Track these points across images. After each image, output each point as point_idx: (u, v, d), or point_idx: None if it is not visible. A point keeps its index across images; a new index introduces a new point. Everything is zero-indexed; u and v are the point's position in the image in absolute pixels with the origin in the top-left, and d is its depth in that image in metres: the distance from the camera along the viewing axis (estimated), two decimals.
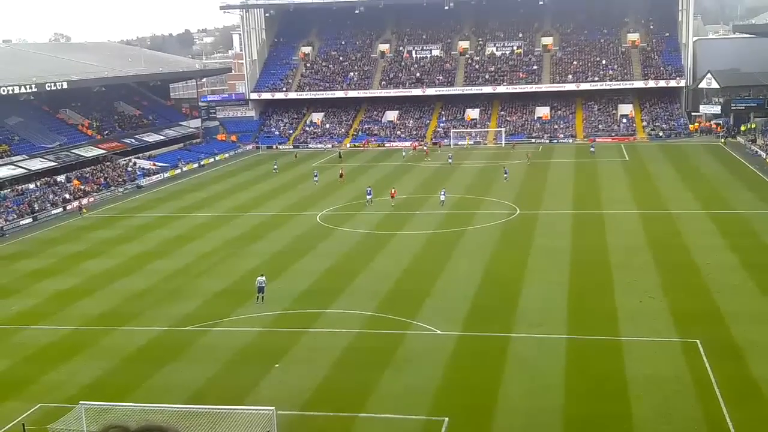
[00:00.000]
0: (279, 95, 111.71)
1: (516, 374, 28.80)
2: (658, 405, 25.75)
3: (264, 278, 38.88)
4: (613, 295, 37.05)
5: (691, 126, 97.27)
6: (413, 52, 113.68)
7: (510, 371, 29.08)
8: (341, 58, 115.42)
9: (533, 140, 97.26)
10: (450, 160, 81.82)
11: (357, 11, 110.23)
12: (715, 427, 24.17)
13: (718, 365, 28.50)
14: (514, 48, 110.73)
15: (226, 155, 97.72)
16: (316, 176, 75.01)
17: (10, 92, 74.69)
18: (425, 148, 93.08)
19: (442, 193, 61.86)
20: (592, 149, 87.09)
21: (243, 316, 36.84)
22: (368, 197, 62.86)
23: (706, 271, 40.14)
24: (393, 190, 63.82)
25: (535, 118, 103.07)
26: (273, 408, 23.22)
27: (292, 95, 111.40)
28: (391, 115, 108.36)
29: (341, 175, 75.64)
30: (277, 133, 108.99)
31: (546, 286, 38.76)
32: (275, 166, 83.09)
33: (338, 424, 25.71)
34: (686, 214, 53.17)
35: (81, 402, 24.36)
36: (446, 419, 25.48)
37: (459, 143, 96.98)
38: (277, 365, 30.71)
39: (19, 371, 31.77)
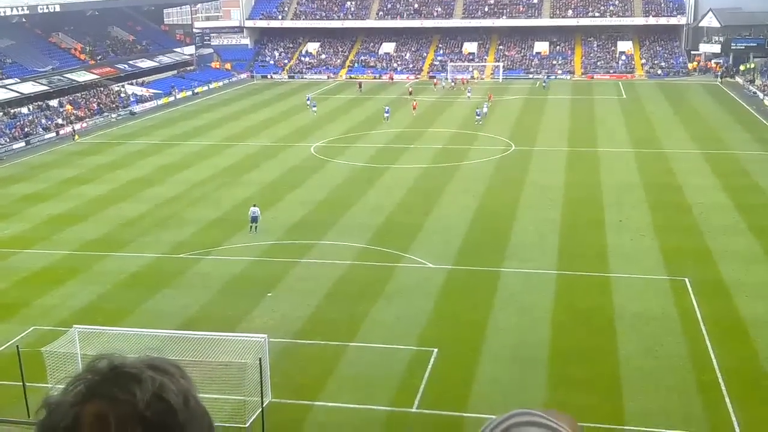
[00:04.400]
0: (274, 23, 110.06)
1: (505, 308, 29.15)
2: (645, 340, 26.16)
3: (257, 209, 38.90)
4: (604, 232, 37.27)
5: (690, 65, 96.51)
6: None
7: (499, 305, 29.43)
8: None
9: (531, 76, 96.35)
10: (468, 94, 79.94)
11: None
12: (700, 363, 24.62)
13: (706, 303, 28.87)
14: None
15: (221, 83, 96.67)
16: (312, 104, 74.63)
17: (2, 14, 73.36)
18: (452, 83, 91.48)
19: (485, 106, 69.42)
20: (544, 84, 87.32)
21: (236, 245, 36.99)
22: (386, 115, 68.18)
23: (698, 210, 40.32)
24: (414, 103, 72.23)
25: (534, 54, 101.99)
26: (265, 336, 23.47)
27: (288, 24, 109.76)
28: (388, 47, 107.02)
29: (410, 92, 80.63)
30: (272, 62, 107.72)
31: (538, 222, 38.94)
32: (314, 108, 74.61)
33: (329, 353, 26.08)
34: (681, 154, 53.13)
35: (74, 325, 24.59)
36: (435, 350, 25.87)
37: (457, 77, 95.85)
38: (269, 294, 30.99)
39: (12, 294, 31.99)
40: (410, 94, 78.90)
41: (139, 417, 1.72)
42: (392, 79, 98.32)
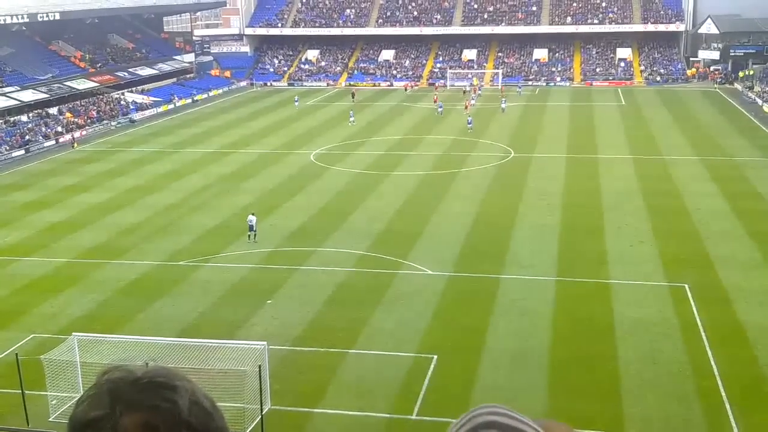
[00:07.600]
0: (274, 31, 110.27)
1: (504, 315, 29.12)
2: (645, 347, 26.13)
3: (255, 218, 38.72)
4: (604, 238, 37.26)
5: (688, 71, 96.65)
6: None
7: (499, 312, 29.40)
8: None
9: (530, 82, 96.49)
10: (473, 102, 79.50)
11: None
12: (700, 369, 24.59)
13: (705, 309, 28.86)
14: None
15: (220, 91, 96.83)
16: (350, 115, 72.35)
17: (2, 22, 73.45)
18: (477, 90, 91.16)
19: (503, 101, 75.35)
20: (519, 89, 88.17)
21: (235, 252, 36.98)
22: (439, 110, 74.01)
23: (697, 216, 40.32)
24: (435, 96, 79.82)
25: (533, 60, 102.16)
26: (265, 343, 23.47)
27: (288, 31, 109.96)
28: (388, 54, 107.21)
29: (435, 100, 79.59)
30: (271, 70, 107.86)
31: (537, 229, 38.92)
32: (352, 118, 71.74)
33: (329, 360, 26.05)
34: (679, 160, 53.17)
35: (74, 333, 24.55)
36: (435, 357, 25.85)
37: (455, 84, 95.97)
38: (269, 301, 30.97)
39: (11, 302, 31.95)
40: (435, 101, 78.39)
41: (185, 423, 1.75)
42: (406, 89, 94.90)
